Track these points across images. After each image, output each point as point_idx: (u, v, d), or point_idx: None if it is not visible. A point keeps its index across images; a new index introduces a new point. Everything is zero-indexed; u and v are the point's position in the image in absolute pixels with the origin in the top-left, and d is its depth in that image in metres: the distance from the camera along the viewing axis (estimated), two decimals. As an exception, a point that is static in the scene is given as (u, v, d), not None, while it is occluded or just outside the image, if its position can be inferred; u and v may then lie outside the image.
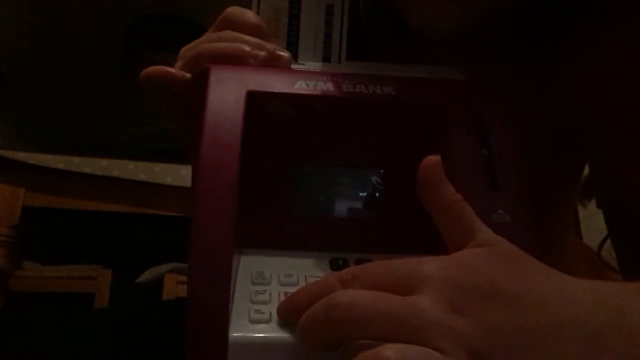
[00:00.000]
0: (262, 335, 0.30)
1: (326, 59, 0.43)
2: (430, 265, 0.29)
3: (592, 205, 0.55)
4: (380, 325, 0.27)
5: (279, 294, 0.33)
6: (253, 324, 0.31)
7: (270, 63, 0.38)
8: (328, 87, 0.36)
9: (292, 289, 0.33)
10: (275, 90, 0.36)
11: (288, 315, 0.31)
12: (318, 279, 0.34)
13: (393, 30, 0.51)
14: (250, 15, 0.40)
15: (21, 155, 1.57)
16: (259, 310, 0.32)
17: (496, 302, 0.28)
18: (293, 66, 0.40)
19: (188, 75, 0.38)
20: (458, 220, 0.32)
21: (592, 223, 0.60)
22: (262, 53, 0.38)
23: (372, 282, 0.29)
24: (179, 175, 1.60)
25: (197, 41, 0.40)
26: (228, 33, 0.39)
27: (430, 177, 0.33)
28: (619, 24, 0.44)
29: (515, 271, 0.29)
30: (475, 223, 0.32)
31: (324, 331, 0.28)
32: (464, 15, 0.44)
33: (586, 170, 0.53)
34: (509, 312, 0.28)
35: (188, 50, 0.40)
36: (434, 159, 0.33)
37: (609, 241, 0.50)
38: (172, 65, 0.40)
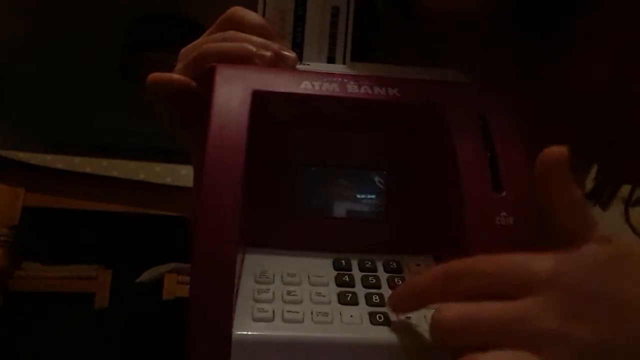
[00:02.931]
0: (266, 333, 0.30)
1: (331, 60, 0.43)
2: (545, 264, 0.28)
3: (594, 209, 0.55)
4: (488, 337, 0.26)
5: (282, 293, 0.33)
6: (256, 322, 0.31)
7: (276, 63, 0.38)
8: (334, 87, 0.37)
9: (295, 289, 0.33)
10: (281, 90, 0.36)
11: (396, 309, 0.31)
12: (321, 278, 0.34)
13: (406, 18, 0.50)
14: (254, 15, 0.40)
15: (21, 155, 1.57)
16: (262, 308, 0.32)
17: (616, 307, 0.27)
18: (298, 67, 0.40)
19: (190, 81, 0.38)
20: (580, 219, 0.30)
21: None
22: (268, 53, 0.38)
23: (482, 282, 0.29)
24: (179, 175, 1.60)
25: (197, 42, 0.40)
26: (232, 33, 0.39)
27: (555, 170, 0.30)
28: (623, 20, 0.44)
29: (633, 271, 0.28)
30: (594, 224, 0.30)
31: (436, 345, 0.29)
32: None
33: (591, 173, 0.53)
34: (629, 317, 0.27)
35: (189, 50, 0.40)
36: (559, 150, 0.30)
37: None
38: (172, 66, 0.40)
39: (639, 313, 0.27)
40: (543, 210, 0.31)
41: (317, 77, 0.37)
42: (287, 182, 0.38)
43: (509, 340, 0.26)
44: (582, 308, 0.27)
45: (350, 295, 0.33)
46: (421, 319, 0.32)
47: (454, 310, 0.28)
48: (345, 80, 0.37)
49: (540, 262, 0.28)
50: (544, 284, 0.27)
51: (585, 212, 0.31)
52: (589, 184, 0.55)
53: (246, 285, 0.33)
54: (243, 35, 0.39)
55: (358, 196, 0.38)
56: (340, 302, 0.33)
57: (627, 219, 0.50)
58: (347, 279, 0.35)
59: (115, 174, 1.58)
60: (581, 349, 0.26)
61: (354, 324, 0.32)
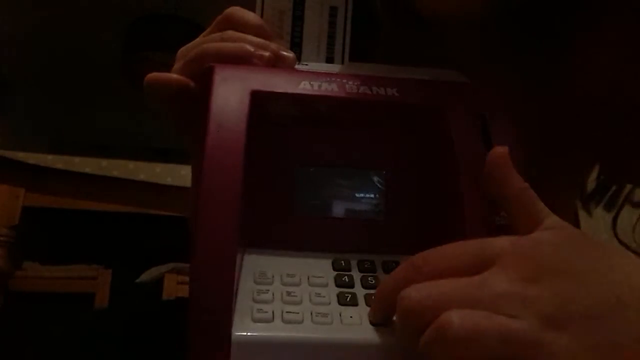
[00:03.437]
0: (265, 334, 0.30)
1: (330, 60, 0.43)
2: (502, 242, 0.30)
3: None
4: (449, 308, 0.27)
5: (282, 294, 0.33)
6: (256, 323, 0.31)
7: (275, 63, 0.38)
8: (332, 87, 0.37)
9: (295, 289, 0.33)
10: (280, 90, 0.36)
11: (379, 317, 0.32)
12: (320, 278, 0.34)
13: (404, 19, 0.50)
14: (252, 15, 0.40)
15: (21, 155, 1.57)
16: (261, 309, 0.32)
17: (570, 275, 0.28)
18: (297, 67, 0.40)
19: (188, 80, 0.38)
20: (527, 207, 0.32)
21: (593, 224, 0.60)
22: (267, 53, 0.38)
23: (442, 265, 0.30)
24: (179, 175, 1.60)
25: (195, 41, 0.40)
26: (231, 33, 0.39)
27: (498, 166, 0.33)
28: (624, 21, 0.44)
29: (588, 250, 0.30)
30: (543, 209, 0.32)
31: (403, 328, 0.29)
32: (470, 2, 0.44)
33: (592, 175, 0.53)
34: (583, 283, 0.28)
35: (187, 50, 0.40)
36: (501, 149, 0.33)
37: None
38: (172, 66, 0.40)
39: (592, 284, 0.28)
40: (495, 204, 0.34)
41: (315, 77, 0.37)
42: (286, 182, 0.38)
43: (472, 307, 0.27)
44: (541, 273, 0.28)
45: (350, 295, 0.33)
46: None
47: (418, 288, 0.29)
48: (344, 81, 0.37)
49: (499, 240, 0.30)
50: (503, 256, 0.29)
51: (533, 202, 0.32)
52: (591, 184, 0.55)
53: (245, 286, 0.33)
54: (241, 35, 0.39)
55: (357, 196, 0.38)
56: (339, 303, 0.33)
57: (614, 227, 0.51)
58: (347, 279, 0.35)
59: (115, 174, 1.59)
60: (539, 306, 0.27)
61: (353, 325, 0.32)
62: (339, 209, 0.38)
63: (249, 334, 0.30)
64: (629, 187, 0.53)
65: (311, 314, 0.32)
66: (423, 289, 0.29)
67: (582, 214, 0.56)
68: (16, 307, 1.43)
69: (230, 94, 0.35)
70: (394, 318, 0.31)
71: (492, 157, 0.33)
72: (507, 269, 0.28)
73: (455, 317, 0.26)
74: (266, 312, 0.31)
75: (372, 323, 0.32)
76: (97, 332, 0.55)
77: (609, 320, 0.27)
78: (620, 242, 0.52)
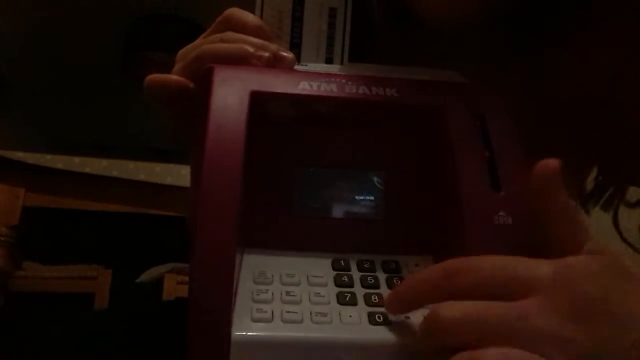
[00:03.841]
0: (265, 334, 0.31)
1: (329, 61, 0.43)
2: (545, 268, 0.29)
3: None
4: (486, 335, 0.27)
5: (281, 294, 0.33)
6: (255, 322, 0.31)
7: (274, 64, 0.38)
8: (332, 88, 0.37)
9: (294, 289, 0.33)
10: (279, 91, 0.36)
11: (396, 309, 0.31)
12: (320, 278, 0.34)
13: (402, 21, 0.50)
14: (251, 16, 0.40)
15: (21, 155, 1.57)
16: (261, 309, 0.32)
17: (609, 317, 0.28)
18: (296, 67, 0.40)
19: (188, 81, 0.38)
20: (571, 225, 0.31)
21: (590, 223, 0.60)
22: (266, 54, 0.38)
23: (478, 279, 0.29)
24: (179, 175, 1.60)
25: (195, 43, 0.40)
26: (230, 34, 0.39)
27: (548, 181, 0.32)
28: (623, 21, 0.44)
29: (626, 286, 0.29)
30: (586, 232, 0.31)
31: (430, 342, 0.29)
32: (469, 5, 0.44)
33: (591, 175, 0.53)
34: (619, 325, 0.28)
35: (187, 51, 0.40)
36: (552, 162, 0.32)
37: None
38: (172, 66, 0.40)
39: (629, 324, 0.28)
40: (538, 221, 0.32)
41: (315, 78, 0.37)
42: (286, 183, 0.38)
43: (508, 339, 0.27)
44: (579, 312, 0.27)
45: (349, 295, 0.33)
46: (419, 319, 0.32)
47: (455, 307, 0.28)
48: (343, 81, 0.37)
49: (539, 265, 0.29)
50: (542, 286, 0.28)
51: (577, 222, 0.32)
52: (590, 184, 0.55)
53: (245, 286, 0.33)
54: (241, 36, 0.39)
55: (356, 196, 0.38)
56: (339, 303, 0.33)
57: (616, 225, 0.51)
58: (346, 279, 0.35)
59: (115, 174, 1.58)
60: (576, 351, 0.27)
61: (352, 324, 0.32)
62: (338, 209, 0.38)
63: (248, 333, 0.30)
64: (626, 187, 0.53)
65: (310, 313, 0.32)
66: (460, 308, 0.28)
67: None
68: (16, 307, 1.43)
69: (230, 95, 0.35)
70: (403, 317, 0.32)
71: (541, 168, 0.32)
72: (546, 302, 0.27)
73: (493, 355, 0.26)
74: (265, 311, 0.31)
75: (387, 310, 0.32)
76: (97, 332, 0.55)
77: None
78: (625, 241, 0.52)
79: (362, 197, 0.38)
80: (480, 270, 0.29)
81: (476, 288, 0.29)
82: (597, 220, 0.53)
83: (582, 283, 0.28)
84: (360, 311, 0.33)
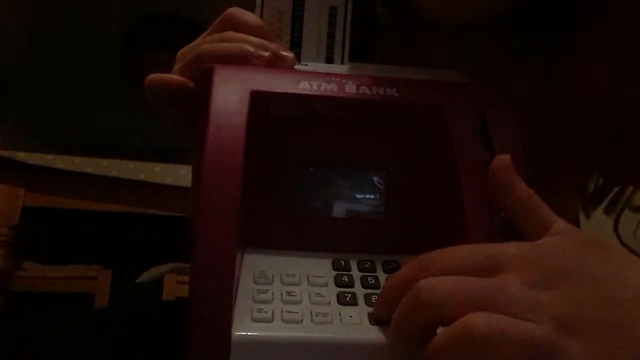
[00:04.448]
0: (265, 334, 0.30)
1: (329, 60, 0.43)
2: (513, 247, 0.30)
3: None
4: (466, 306, 0.27)
5: (281, 294, 0.33)
6: (255, 322, 0.31)
7: (274, 63, 0.38)
8: (332, 87, 0.37)
9: (294, 289, 0.33)
10: (280, 90, 0.36)
11: (383, 314, 0.32)
12: (320, 278, 0.34)
13: (404, 20, 0.50)
14: (251, 16, 0.40)
15: (21, 155, 1.57)
16: (261, 309, 0.32)
17: (581, 278, 0.29)
18: (296, 67, 0.40)
19: (188, 81, 0.38)
20: (534, 213, 0.32)
21: (591, 226, 0.60)
22: (266, 53, 0.38)
23: (453, 265, 0.30)
24: (179, 175, 1.60)
25: (195, 42, 0.40)
26: (230, 34, 0.39)
27: (502, 176, 0.33)
28: (625, 22, 0.44)
29: (595, 253, 0.30)
30: (550, 215, 0.32)
31: (410, 321, 0.29)
32: (472, 5, 0.44)
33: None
34: (596, 287, 0.28)
35: (187, 51, 0.40)
36: (504, 158, 0.34)
37: None
38: (172, 66, 0.40)
39: (603, 286, 0.28)
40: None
41: (315, 77, 0.37)
42: (286, 182, 0.38)
43: (491, 307, 0.27)
44: (549, 280, 0.28)
45: (350, 295, 0.33)
46: None
47: (434, 281, 0.29)
48: (344, 81, 0.37)
49: (509, 245, 0.30)
50: (512, 264, 0.29)
51: (539, 207, 0.33)
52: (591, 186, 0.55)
53: (245, 286, 0.33)
54: (241, 35, 0.39)
55: (357, 196, 0.38)
56: (339, 303, 0.33)
57: (616, 229, 0.51)
58: (347, 279, 0.35)
59: (115, 174, 1.58)
60: (555, 310, 0.27)
61: (353, 325, 0.32)
62: (338, 209, 0.38)
63: (248, 333, 0.30)
64: (629, 190, 0.53)
65: (311, 313, 0.32)
66: (440, 282, 0.29)
67: (581, 216, 0.56)
68: (16, 307, 1.43)
69: (230, 94, 0.35)
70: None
71: (494, 165, 0.34)
72: (518, 275, 0.28)
73: (482, 319, 0.26)
74: (266, 312, 0.31)
75: (375, 320, 0.32)
76: (97, 332, 0.55)
77: (625, 322, 0.27)
78: (624, 244, 0.52)
79: (362, 197, 0.38)
80: (454, 258, 0.30)
81: (451, 273, 0.29)
82: (597, 224, 0.53)
83: (549, 256, 0.30)
84: (360, 311, 0.32)
